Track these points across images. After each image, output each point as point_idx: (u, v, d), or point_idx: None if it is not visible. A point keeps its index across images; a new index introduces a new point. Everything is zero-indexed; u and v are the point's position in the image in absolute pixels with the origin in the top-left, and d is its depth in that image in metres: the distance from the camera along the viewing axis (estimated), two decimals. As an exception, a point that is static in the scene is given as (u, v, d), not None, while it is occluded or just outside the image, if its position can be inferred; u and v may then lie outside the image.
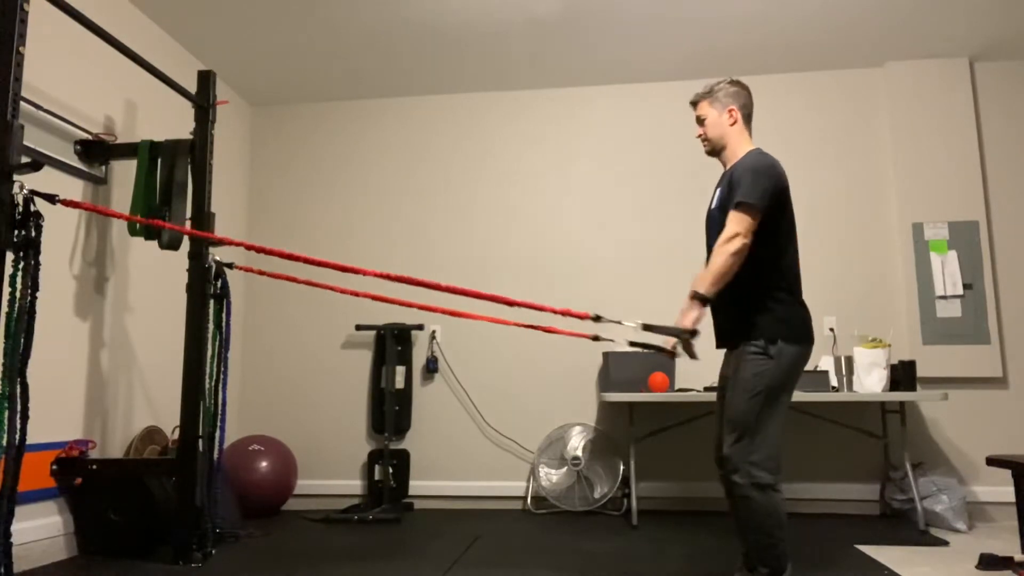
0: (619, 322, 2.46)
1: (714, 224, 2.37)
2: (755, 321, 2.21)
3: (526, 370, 4.30)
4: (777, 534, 2.13)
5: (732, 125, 2.38)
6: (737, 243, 2.14)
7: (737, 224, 2.16)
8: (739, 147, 2.36)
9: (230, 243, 2.44)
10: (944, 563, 2.81)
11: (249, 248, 2.25)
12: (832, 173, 4.26)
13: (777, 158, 2.32)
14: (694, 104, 2.47)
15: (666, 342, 2.24)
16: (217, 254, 3.13)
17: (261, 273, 3.13)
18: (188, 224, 3.14)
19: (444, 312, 2.68)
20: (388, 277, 2.26)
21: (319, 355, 4.46)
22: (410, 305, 2.76)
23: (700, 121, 2.45)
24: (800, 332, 2.22)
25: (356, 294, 2.99)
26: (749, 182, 2.19)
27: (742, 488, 2.14)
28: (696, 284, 2.18)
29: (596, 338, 2.54)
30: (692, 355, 2.24)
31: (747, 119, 2.40)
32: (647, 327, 2.28)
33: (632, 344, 2.47)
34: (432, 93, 4.62)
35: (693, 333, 2.17)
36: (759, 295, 2.23)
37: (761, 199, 2.17)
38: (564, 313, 2.36)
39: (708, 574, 2.65)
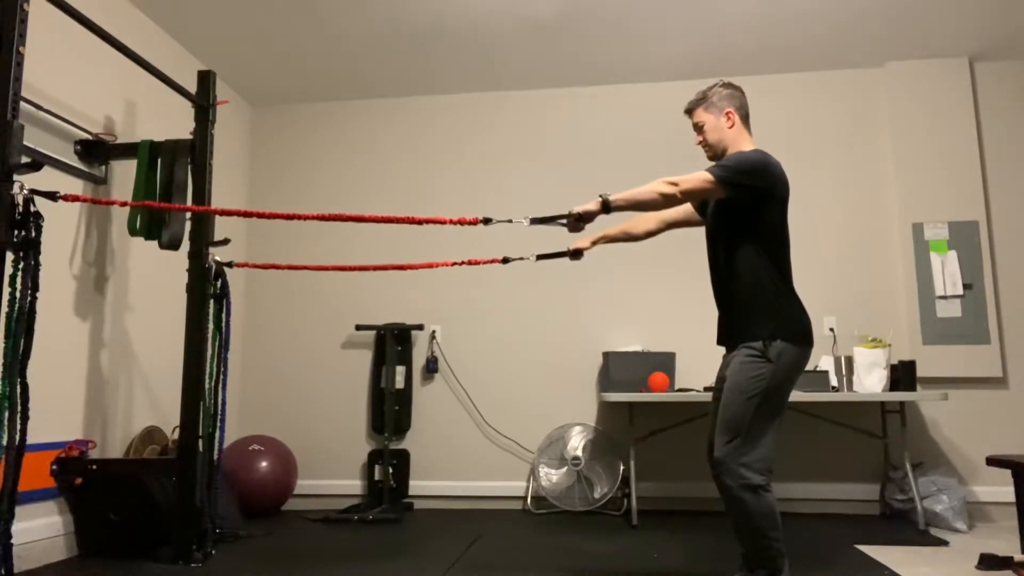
0: (509, 220, 2.55)
1: (714, 222, 2.37)
2: (755, 322, 2.20)
3: (526, 370, 4.30)
4: (771, 535, 2.13)
5: (731, 128, 2.37)
6: (670, 188, 2.19)
7: (688, 177, 2.20)
8: (740, 148, 2.36)
9: (228, 213, 2.44)
10: (944, 563, 2.81)
11: (246, 215, 2.25)
12: (832, 173, 4.26)
13: (778, 159, 2.32)
14: (689, 112, 2.45)
15: (570, 246, 2.53)
16: (217, 254, 3.13)
17: (263, 266, 3.13)
18: (188, 224, 3.14)
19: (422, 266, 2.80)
20: (385, 268, 2.28)
21: (319, 355, 4.46)
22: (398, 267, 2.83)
23: (698, 128, 2.44)
24: (800, 334, 2.21)
25: (351, 269, 3.02)
26: (732, 161, 2.24)
27: (733, 490, 2.13)
28: (611, 194, 2.26)
29: (505, 260, 2.74)
30: (577, 250, 2.58)
31: (745, 119, 2.40)
32: (535, 220, 2.43)
33: (540, 257, 2.74)
34: (432, 93, 4.62)
35: (579, 217, 2.30)
36: (759, 296, 2.22)
37: (729, 175, 2.20)
38: (456, 222, 2.48)
39: (708, 574, 2.65)
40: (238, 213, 2.44)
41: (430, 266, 2.84)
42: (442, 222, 2.47)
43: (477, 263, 2.75)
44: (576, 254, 2.67)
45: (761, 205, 2.23)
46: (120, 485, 2.94)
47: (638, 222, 2.62)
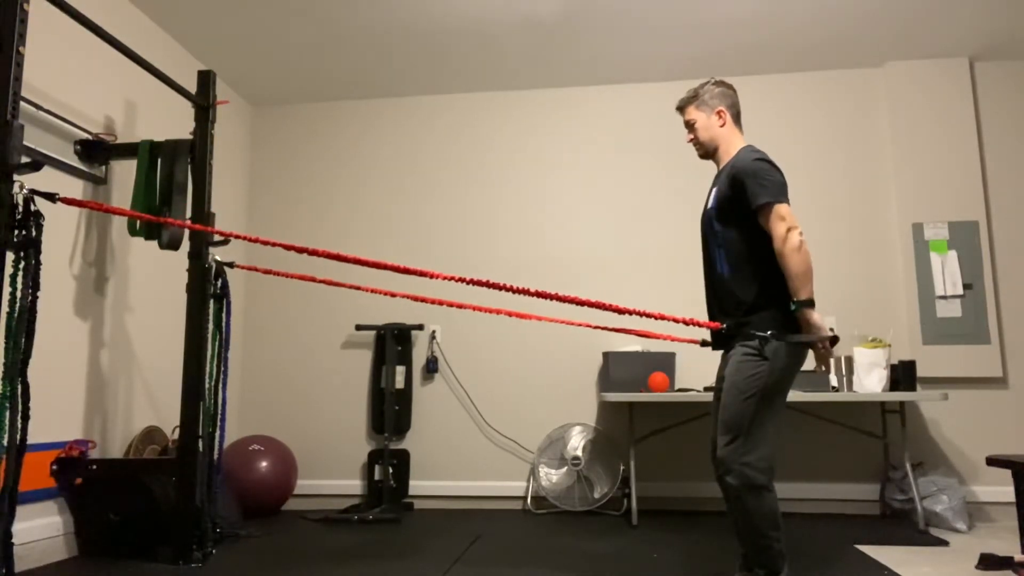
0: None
1: (710, 224, 2.37)
2: (751, 321, 2.20)
3: (526, 370, 4.30)
4: (772, 535, 2.13)
5: (722, 126, 2.37)
6: (795, 237, 2.12)
7: (780, 222, 2.14)
8: (731, 146, 2.36)
9: (229, 235, 2.44)
10: (944, 563, 2.81)
11: (249, 240, 2.25)
12: (832, 173, 4.26)
13: (776, 158, 2.32)
14: (680, 110, 2.45)
15: (820, 360, 2.23)
16: (217, 254, 3.13)
17: (264, 272, 3.13)
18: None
19: (488, 311, 2.70)
20: (426, 274, 2.26)
21: (319, 355, 4.46)
22: (429, 302, 2.76)
23: (689, 126, 2.44)
24: (796, 332, 2.21)
25: (358, 288, 3.00)
26: (760, 182, 2.19)
27: (735, 489, 2.14)
28: (795, 295, 2.15)
29: (704, 343, 2.47)
30: (828, 360, 2.25)
31: (736, 118, 2.40)
32: (793, 340, 2.19)
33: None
34: (431, 93, 4.63)
35: (834, 340, 2.17)
36: (756, 295, 2.22)
37: (782, 191, 2.18)
38: (689, 323, 2.27)
39: (708, 574, 2.65)
40: (240, 237, 2.43)
41: (524, 316, 2.67)
42: (670, 320, 2.26)
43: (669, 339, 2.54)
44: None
45: None
46: (120, 485, 2.94)
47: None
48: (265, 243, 2.30)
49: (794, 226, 2.14)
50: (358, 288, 3.02)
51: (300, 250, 2.27)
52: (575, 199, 4.44)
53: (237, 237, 2.35)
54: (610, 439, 4.08)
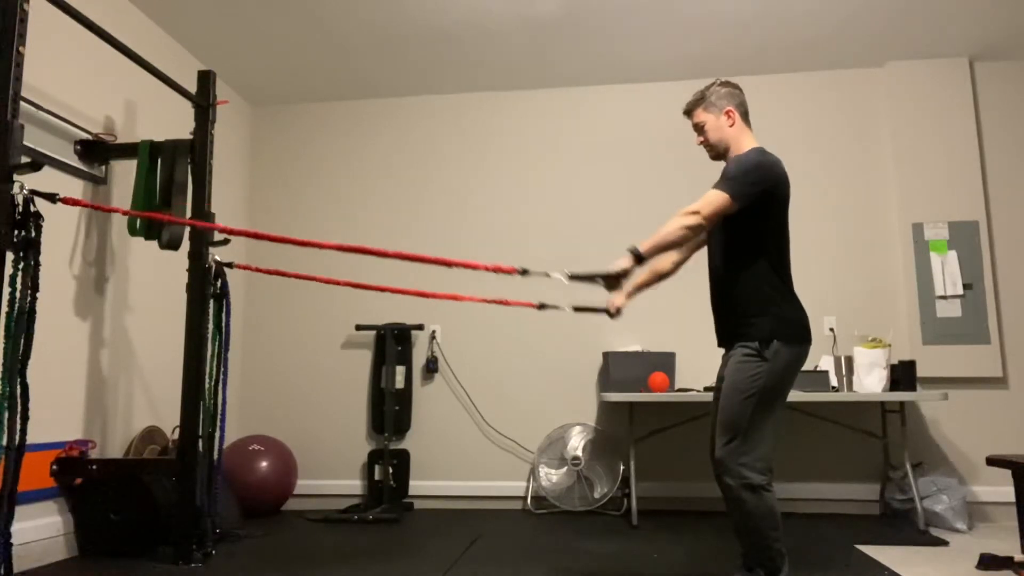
0: (546, 274, 2.41)
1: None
2: (751, 322, 2.20)
3: (526, 370, 4.30)
4: (772, 535, 2.13)
5: (732, 126, 2.36)
6: (693, 220, 2.16)
7: (704, 203, 2.17)
8: (742, 146, 2.35)
9: (233, 232, 2.44)
10: (944, 563, 2.81)
11: (253, 236, 2.25)
12: (832, 173, 4.26)
13: (778, 158, 2.31)
14: (688, 113, 2.43)
15: (609, 304, 2.43)
16: (217, 254, 3.13)
17: (264, 271, 3.13)
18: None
19: (436, 296, 2.77)
20: (401, 255, 2.35)
21: (319, 355, 4.46)
22: (427, 296, 2.86)
23: (699, 129, 2.42)
24: (797, 333, 2.21)
25: (358, 285, 3.01)
26: (737, 172, 2.21)
27: (734, 490, 2.14)
28: (641, 245, 2.21)
29: (542, 306, 2.62)
30: (617, 309, 2.44)
31: (744, 117, 2.39)
32: (573, 276, 2.32)
33: (576, 309, 2.60)
34: (432, 93, 4.62)
35: (617, 276, 2.22)
36: (756, 295, 2.22)
37: (740, 189, 2.17)
38: (493, 269, 2.41)
39: (708, 574, 2.65)
40: (240, 233, 2.43)
41: (455, 298, 2.79)
42: (476, 267, 2.44)
43: (508, 304, 2.69)
44: (617, 312, 2.55)
45: (762, 206, 2.23)
46: (120, 485, 2.94)
47: (663, 258, 2.51)
48: (265, 237, 2.31)
49: (700, 211, 2.16)
50: (357, 286, 3.02)
51: (301, 243, 2.30)
52: (575, 199, 4.43)
53: (237, 233, 2.36)
54: (610, 439, 4.08)
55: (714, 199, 2.17)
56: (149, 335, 3.61)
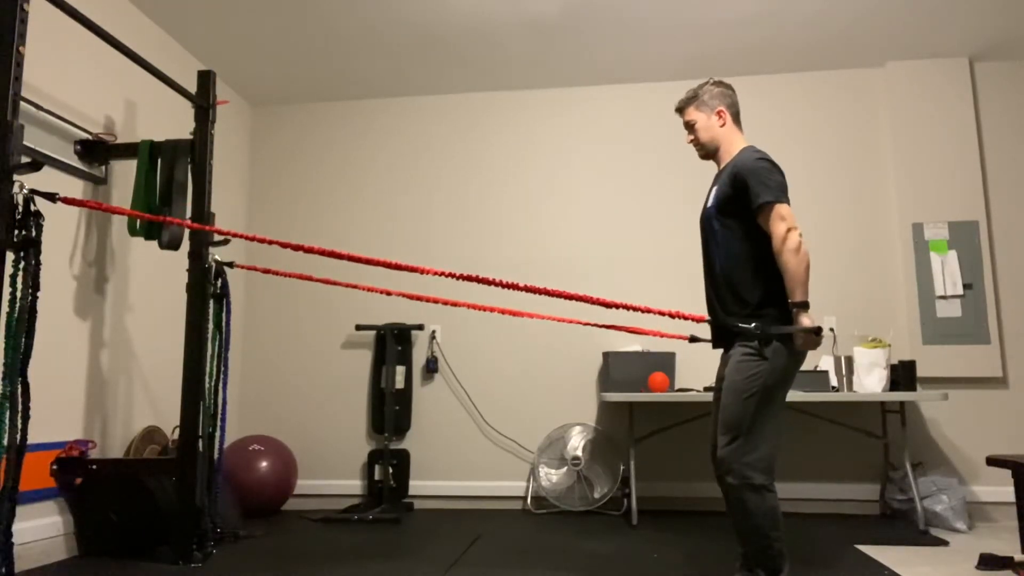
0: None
1: (710, 223, 2.37)
2: (751, 322, 2.20)
3: (526, 370, 4.30)
4: (772, 535, 2.13)
5: (722, 126, 2.37)
6: (795, 237, 2.13)
7: (780, 217, 2.14)
8: (732, 146, 2.36)
9: (231, 235, 2.44)
10: (944, 563, 2.81)
11: (251, 239, 2.25)
12: (832, 173, 4.26)
13: (777, 158, 2.32)
14: (680, 110, 2.45)
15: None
16: (217, 254, 3.13)
17: (264, 271, 3.13)
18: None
19: (499, 311, 2.70)
20: (450, 275, 2.27)
21: (319, 355, 4.46)
22: (427, 300, 2.78)
23: (689, 127, 2.44)
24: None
25: (359, 287, 3.00)
26: (762, 181, 2.19)
27: (736, 489, 2.14)
28: (790, 296, 2.16)
29: (693, 339, 2.49)
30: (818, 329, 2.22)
31: (736, 117, 2.40)
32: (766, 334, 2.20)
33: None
34: (431, 93, 4.63)
35: (818, 330, 2.13)
36: (756, 295, 2.22)
37: (783, 191, 2.18)
38: (673, 315, 2.26)
39: (708, 574, 2.65)
40: (240, 236, 2.43)
41: (531, 315, 2.71)
42: (655, 312, 2.26)
43: (662, 336, 2.56)
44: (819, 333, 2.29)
45: None
46: (120, 485, 2.94)
47: None
48: (264, 241, 2.30)
49: (794, 227, 2.14)
50: (357, 287, 3.02)
51: (299, 248, 2.27)
52: (575, 199, 4.43)
53: (237, 236, 2.36)
54: (610, 439, 4.08)
55: (785, 211, 2.15)
56: (149, 335, 3.61)
